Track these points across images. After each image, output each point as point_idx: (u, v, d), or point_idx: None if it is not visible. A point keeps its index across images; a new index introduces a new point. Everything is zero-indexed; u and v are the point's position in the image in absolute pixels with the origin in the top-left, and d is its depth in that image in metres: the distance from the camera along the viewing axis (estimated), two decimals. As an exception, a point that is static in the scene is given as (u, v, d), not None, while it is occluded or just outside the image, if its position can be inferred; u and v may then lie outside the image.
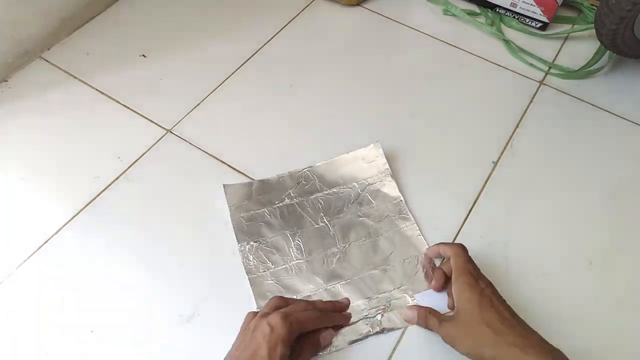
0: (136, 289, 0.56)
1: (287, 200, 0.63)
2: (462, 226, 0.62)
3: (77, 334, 0.54)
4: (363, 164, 0.65)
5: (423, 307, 0.54)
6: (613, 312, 0.56)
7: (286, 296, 0.55)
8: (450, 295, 0.53)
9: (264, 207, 0.62)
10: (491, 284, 0.50)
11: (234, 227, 0.60)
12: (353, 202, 0.63)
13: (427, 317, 0.52)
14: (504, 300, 0.49)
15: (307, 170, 0.65)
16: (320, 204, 0.63)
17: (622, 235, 0.61)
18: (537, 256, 0.59)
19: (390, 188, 0.64)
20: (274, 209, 0.62)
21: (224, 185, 0.63)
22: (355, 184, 0.64)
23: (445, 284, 0.54)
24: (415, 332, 0.54)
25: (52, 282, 0.57)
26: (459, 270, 0.50)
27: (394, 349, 0.53)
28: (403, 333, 0.54)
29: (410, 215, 0.61)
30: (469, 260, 0.51)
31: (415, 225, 0.61)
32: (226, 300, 0.56)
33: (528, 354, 0.43)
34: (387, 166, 0.65)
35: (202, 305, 0.55)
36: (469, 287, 0.48)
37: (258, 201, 0.63)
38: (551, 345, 0.45)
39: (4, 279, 0.57)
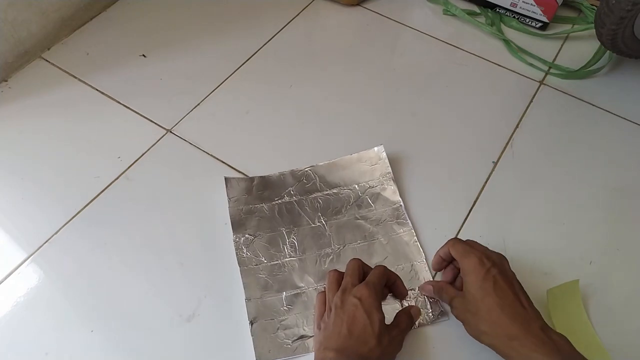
0: (136, 288, 0.56)
1: (286, 198, 0.63)
2: (462, 226, 0.62)
3: (77, 334, 0.54)
4: (366, 166, 0.65)
5: (440, 281, 0.55)
6: (613, 312, 0.56)
7: (276, 290, 0.56)
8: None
9: (262, 203, 0.62)
10: (500, 260, 0.50)
11: (230, 219, 0.60)
12: (352, 204, 0.62)
13: (441, 291, 0.52)
14: (513, 277, 0.49)
15: (309, 169, 0.65)
16: (319, 203, 0.62)
17: (622, 235, 0.61)
18: (537, 256, 0.59)
19: (390, 193, 0.63)
20: (272, 205, 0.62)
21: (225, 178, 0.63)
22: (356, 186, 0.64)
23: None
24: (415, 333, 0.54)
25: (51, 281, 0.57)
26: (463, 254, 0.50)
27: (394, 348, 0.53)
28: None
29: (409, 221, 0.61)
30: (468, 242, 0.51)
31: (413, 231, 0.60)
32: (226, 300, 0.56)
33: (525, 347, 0.43)
34: (389, 170, 0.64)
35: (202, 305, 0.55)
36: (474, 270, 0.48)
37: (258, 196, 0.63)
38: (554, 332, 0.44)
39: (3, 279, 0.57)
